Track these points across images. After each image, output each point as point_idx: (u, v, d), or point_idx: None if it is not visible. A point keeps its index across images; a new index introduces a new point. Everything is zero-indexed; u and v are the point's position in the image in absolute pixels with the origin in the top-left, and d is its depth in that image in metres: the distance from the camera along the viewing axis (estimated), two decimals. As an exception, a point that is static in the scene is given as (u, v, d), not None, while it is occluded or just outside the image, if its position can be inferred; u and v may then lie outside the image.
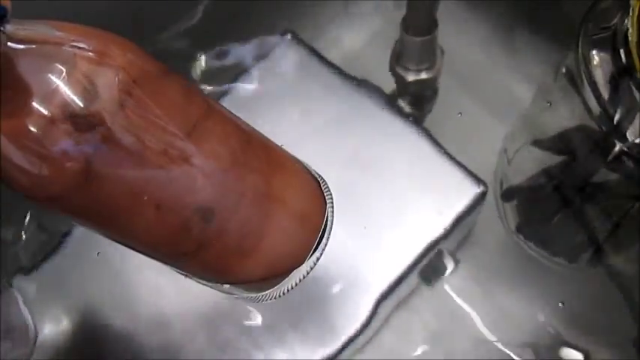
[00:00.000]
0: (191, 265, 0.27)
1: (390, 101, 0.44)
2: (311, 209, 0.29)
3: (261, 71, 0.45)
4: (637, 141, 0.31)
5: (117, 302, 0.40)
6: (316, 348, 0.38)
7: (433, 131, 0.42)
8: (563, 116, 0.37)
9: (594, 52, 0.32)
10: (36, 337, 0.40)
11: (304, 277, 0.29)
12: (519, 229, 0.44)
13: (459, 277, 0.44)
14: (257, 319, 0.39)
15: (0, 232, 0.45)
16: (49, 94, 0.20)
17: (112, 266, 0.41)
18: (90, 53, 0.21)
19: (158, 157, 0.22)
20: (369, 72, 0.46)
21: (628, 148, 0.31)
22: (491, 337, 0.42)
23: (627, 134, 0.31)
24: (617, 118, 0.31)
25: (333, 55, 0.45)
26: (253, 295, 0.30)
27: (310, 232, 0.29)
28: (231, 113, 0.27)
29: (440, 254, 0.41)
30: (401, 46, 0.45)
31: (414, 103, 0.49)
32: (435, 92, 0.50)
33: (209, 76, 0.49)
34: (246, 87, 0.45)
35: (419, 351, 0.43)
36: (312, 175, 0.31)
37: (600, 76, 0.31)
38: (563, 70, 0.35)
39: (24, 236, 0.45)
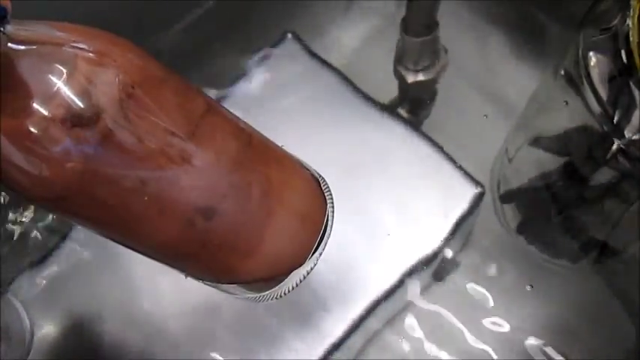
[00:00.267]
0: (192, 264, 0.27)
1: (389, 104, 0.44)
2: (311, 209, 0.29)
3: (262, 72, 0.45)
4: (634, 137, 0.31)
5: (116, 303, 0.40)
6: (315, 347, 0.38)
7: (432, 131, 0.42)
8: (563, 117, 0.37)
9: (594, 52, 0.32)
10: (32, 338, 0.40)
11: (304, 278, 0.29)
12: (520, 230, 0.44)
13: (460, 277, 0.44)
14: (257, 320, 0.39)
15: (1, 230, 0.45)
16: (50, 95, 0.20)
17: (110, 268, 0.41)
18: (90, 54, 0.21)
19: (158, 157, 0.22)
20: (370, 73, 0.46)
21: (625, 145, 0.31)
22: (493, 338, 0.42)
23: (625, 132, 0.31)
24: (616, 118, 0.31)
25: (333, 56, 0.45)
26: (254, 295, 0.30)
27: (311, 232, 0.29)
28: (232, 114, 0.27)
29: (440, 255, 0.41)
30: (402, 47, 0.45)
31: (412, 107, 0.49)
32: (433, 96, 0.50)
33: (210, 77, 0.49)
34: (247, 88, 0.45)
35: (419, 351, 0.43)
36: (313, 175, 0.31)
37: (600, 77, 0.31)
38: (563, 71, 0.35)
39: (22, 234, 0.45)
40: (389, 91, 0.49)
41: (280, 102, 0.44)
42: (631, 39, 0.29)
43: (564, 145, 0.40)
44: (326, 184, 0.31)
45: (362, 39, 0.52)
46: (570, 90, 0.33)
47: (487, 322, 0.43)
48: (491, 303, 0.43)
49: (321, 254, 0.29)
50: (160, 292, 0.40)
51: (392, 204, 0.40)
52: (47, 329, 0.41)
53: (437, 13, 0.42)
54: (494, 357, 0.42)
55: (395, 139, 0.42)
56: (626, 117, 0.31)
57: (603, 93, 0.31)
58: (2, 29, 0.19)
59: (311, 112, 0.43)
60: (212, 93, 0.47)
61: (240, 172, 0.25)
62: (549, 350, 0.42)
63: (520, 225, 0.44)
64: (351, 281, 0.39)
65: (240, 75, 0.45)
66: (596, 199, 0.40)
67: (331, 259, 0.31)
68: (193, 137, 0.24)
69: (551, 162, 0.41)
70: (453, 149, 0.42)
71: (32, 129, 0.20)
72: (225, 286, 0.29)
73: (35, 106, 0.20)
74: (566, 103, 0.35)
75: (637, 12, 0.28)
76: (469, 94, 0.49)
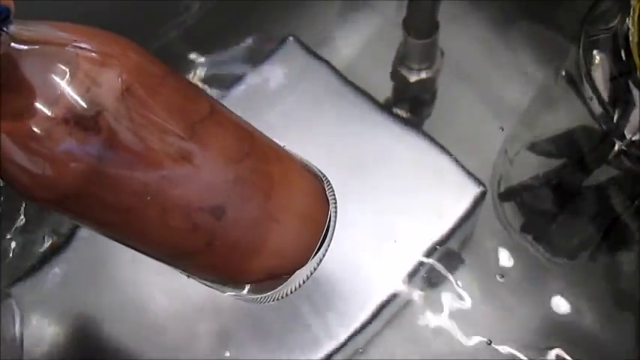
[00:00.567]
0: (195, 265, 0.27)
1: (389, 105, 0.44)
2: (314, 209, 0.29)
3: (263, 73, 0.45)
4: (634, 138, 0.31)
5: (117, 304, 0.40)
6: (317, 347, 0.38)
7: (433, 131, 0.42)
8: (564, 117, 0.38)
9: (594, 52, 0.32)
10: (22, 343, 0.40)
11: (307, 279, 0.29)
12: (523, 229, 0.44)
13: (460, 277, 0.44)
14: (258, 320, 0.39)
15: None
16: (52, 95, 0.20)
17: (112, 269, 0.41)
18: (93, 54, 0.21)
19: (161, 157, 0.22)
20: (370, 74, 0.46)
21: (626, 146, 0.31)
22: (493, 337, 0.42)
23: (625, 132, 0.31)
24: (616, 117, 0.31)
25: (333, 57, 0.45)
26: (256, 296, 0.30)
27: (313, 232, 0.29)
28: (234, 114, 0.27)
29: (441, 255, 0.41)
30: (404, 48, 0.45)
31: (412, 107, 0.50)
32: (433, 96, 0.50)
33: (211, 77, 0.49)
34: (247, 89, 0.45)
35: (420, 351, 0.43)
36: (316, 175, 0.30)
37: (600, 77, 0.31)
38: (563, 71, 0.35)
39: (23, 232, 0.44)
40: (389, 91, 0.49)
41: (281, 102, 0.44)
42: (631, 39, 0.29)
43: (561, 147, 0.40)
44: (329, 183, 0.30)
45: (362, 41, 0.52)
46: (571, 90, 0.33)
47: (486, 321, 0.43)
48: (491, 302, 0.43)
49: (324, 255, 0.29)
50: (162, 293, 0.40)
51: (394, 203, 0.40)
52: (48, 331, 0.40)
53: (437, 14, 0.42)
54: (496, 356, 0.42)
55: (397, 138, 0.42)
56: (626, 117, 0.31)
57: (604, 93, 0.31)
58: (5, 29, 0.19)
59: (312, 112, 0.43)
60: (213, 93, 0.47)
61: (243, 172, 0.25)
62: (549, 349, 0.42)
63: (523, 224, 0.44)
64: (352, 281, 0.39)
65: (241, 76, 0.45)
66: (596, 198, 0.40)
67: (332, 260, 0.31)
68: (195, 137, 0.24)
69: (551, 161, 0.41)
70: (453, 149, 0.42)
71: (35, 129, 0.20)
72: (226, 287, 0.29)
73: (38, 105, 0.20)
74: (567, 103, 0.35)
75: (637, 12, 0.29)
76: (469, 94, 0.50)
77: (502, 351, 0.42)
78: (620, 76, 0.31)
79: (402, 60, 0.46)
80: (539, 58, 0.49)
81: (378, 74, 0.48)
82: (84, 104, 0.20)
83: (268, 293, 0.29)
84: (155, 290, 0.40)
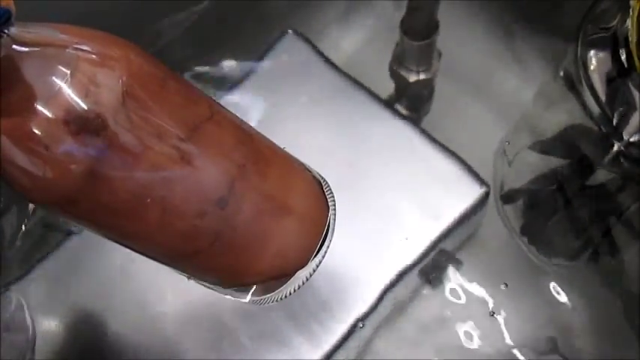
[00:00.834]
0: (195, 266, 0.27)
1: (390, 102, 0.44)
2: (314, 211, 0.29)
3: (262, 70, 0.45)
4: (632, 139, 0.31)
5: (117, 303, 0.40)
6: (317, 348, 0.38)
7: (432, 131, 0.42)
8: (563, 117, 0.37)
9: (593, 52, 0.32)
10: (34, 337, 0.40)
11: (307, 280, 0.29)
12: (524, 231, 0.44)
13: (461, 277, 0.44)
14: (258, 321, 0.39)
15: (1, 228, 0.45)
16: (53, 97, 0.20)
17: (113, 267, 0.41)
18: (93, 55, 0.21)
19: (161, 159, 0.22)
20: (369, 73, 0.46)
21: (625, 147, 0.31)
22: (494, 337, 0.42)
23: (624, 134, 0.31)
24: (615, 119, 0.31)
25: (332, 57, 0.45)
26: (255, 298, 0.30)
27: (313, 234, 0.29)
28: (234, 115, 0.27)
29: (442, 255, 0.41)
30: (401, 49, 0.45)
31: (411, 105, 0.49)
32: (431, 92, 0.50)
33: (210, 76, 0.49)
34: (247, 86, 0.45)
35: (418, 351, 0.43)
36: (315, 177, 0.31)
37: (599, 77, 0.31)
38: (562, 71, 0.35)
39: (24, 231, 0.44)
40: (388, 90, 0.49)
41: (281, 101, 0.44)
42: (630, 39, 0.29)
43: (563, 146, 0.40)
44: (328, 186, 0.31)
45: (361, 40, 0.52)
46: (570, 90, 0.33)
47: (487, 321, 0.43)
48: (492, 303, 0.43)
49: (323, 256, 0.29)
50: (164, 290, 0.40)
51: (394, 201, 0.40)
52: (50, 327, 0.40)
53: (436, 14, 0.42)
54: (494, 357, 0.42)
55: (398, 136, 0.42)
56: (625, 118, 0.31)
57: (602, 93, 0.31)
58: (6, 31, 0.19)
59: (312, 111, 0.43)
60: (212, 92, 0.47)
61: (244, 173, 0.25)
62: (545, 349, 0.42)
63: (523, 226, 0.44)
64: (352, 281, 0.39)
65: (240, 73, 0.45)
66: (596, 199, 0.40)
67: (331, 260, 0.31)
68: (195, 139, 0.24)
69: (551, 162, 0.41)
70: (453, 149, 0.42)
71: (35, 130, 0.20)
72: (227, 288, 0.29)
73: (39, 107, 0.20)
74: (566, 103, 0.35)
75: (636, 12, 0.29)
76: (469, 94, 0.50)
77: (501, 351, 0.42)
78: (618, 76, 0.31)
79: (399, 61, 0.46)
80: (539, 58, 0.49)
81: (376, 73, 0.48)
82: (84, 106, 0.20)
83: (268, 295, 0.29)
84: (156, 290, 0.40)
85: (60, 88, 0.20)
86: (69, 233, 0.42)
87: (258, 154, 0.27)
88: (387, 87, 0.49)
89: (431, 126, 0.45)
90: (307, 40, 0.45)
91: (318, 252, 0.29)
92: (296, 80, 0.44)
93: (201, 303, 0.39)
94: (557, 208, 0.42)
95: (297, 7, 0.52)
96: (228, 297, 0.30)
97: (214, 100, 0.27)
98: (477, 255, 0.44)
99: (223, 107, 0.27)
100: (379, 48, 0.49)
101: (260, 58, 0.45)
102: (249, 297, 0.30)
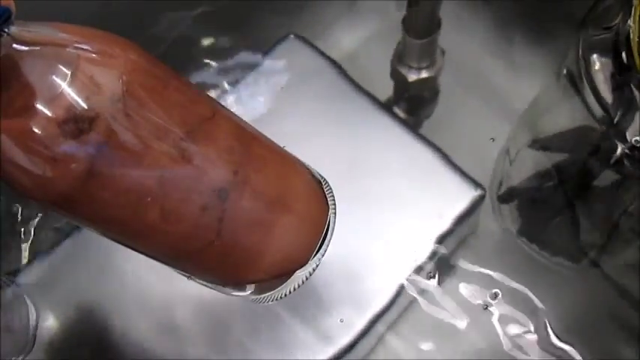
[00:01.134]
0: (195, 266, 0.27)
1: (389, 104, 0.44)
2: (314, 210, 0.29)
3: (263, 71, 0.45)
4: (635, 139, 0.31)
5: (118, 301, 0.40)
6: (317, 349, 0.38)
7: (432, 131, 0.42)
8: (564, 117, 0.37)
9: (595, 52, 0.32)
10: (35, 333, 0.40)
11: (306, 279, 0.29)
12: (521, 231, 0.44)
13: (459, 278, 0.44)
14: (258, 321, 0.39)
15: (0, 229, 0.45)
16: (53, 96, 0.20)
17: (114, 265, 0.41)
18: (93, 55, 0.21)
19: (161, 157, 0.22)
20: (370, 73, 0.46)
21: (628, 149, 0.31)
22: (494, 337, 0.42)
23: (627, 134, 0.31)
24: (617, 119, 0.31)
25: (334, 56, 0.45)
26: (255, 296, 0.30)
27: (313, 233, 0.29)
28: (234, 114, 0.27)
29: (440, 257, 0.41)
30: (402, 47, 0.45)
31: (412, 107, 0.49)
32: (435, 94, 0.50)
33: (211, 75, 0.49)
34: (248, 87, 0.45)
35: (419, 351, 0.43)
36: (315, 177, 0.31)
37: (601, 77, 0.31)
38: (564, 70, 0.35)
39: (28, 232, 0.45)
40: (389, 91, 0.49)
41: (282, 101, 0.44)
42: (632, 38, 0.29)
43: (565, 146, 0.40)
44: (328, 185, 0.31)
45: (362, 40, 0.52)
46: (572, 90, 0.33)
47: (487, 322, 0.43)
48: (491, 303, 0.43)
49: (323, 255, 0.29)
50: (165, 289, 0.40)
51: (391, 204, 0.40)
52: (50, 326, 0.41)
53: (438, 13, 0.42)
54: (494, 357, 0.42)
55: (396, 139, 0.42)
56: (627, 118, 0.31)
57: (605, 93, 0.31)
58: (6, 30, 0.19)
59: (312, 112, 0.43)
60: (213, 92, 0.47)
61: (244, 173, 0.25)
62: (545, 349, 0.42)
63: (521, 227, 0.44)
64: (350, 282, 0.39)
65: (241, 74, 0.45)
66: (596, 200, 0.40)
67: (331, 261, 0.31)
68: (196, 139, 0.24)
69: (551, 163, 0.41)
70: (453, 150, 0.42)
71: (35, 129, 0.20)
72: (226, 287, 0.30)
73: (39, 106, 0.20)
74: (568, 103, 0.35)
75: (638, 11, 0.28)
76: (470, 94, 0.50)
77: (501, 351, 0.42)
78: (620, 76, 0.30)
79: (400, 59, 0.46)
80: (541, 57, 0.49)
81: (377, 73, 0.48)
82: (84, 105, 0.20)
83: (268, 293, 0.29)
84: (156, 289, 0.40)
85: (60, 88, 0.20)
86: (68, 233, 0.42)
87: (259, 153, 0.27)
88: (388, 87, 0.49)
89: (431, 125, 0.45)
90: (308, 43, 0.46)
91: (317, 251, 0.29)
92: (297, 82, 0.44)
93: (201, 303, 0.39)
94: (558, 208, 0.42)
95: (299, 6, 0.52)
96: (228, 296, 0.30)
97: (215, 100, 0.27)
98: (475, 256, 0.44)
99: (224, 107, 0.27)
100: (381, 47, 0.49)
101: (261, 59, 0.45)
102: (248, 295, 0.30)
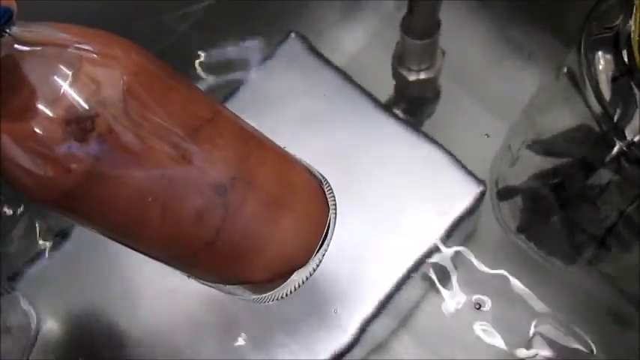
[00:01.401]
0: (195, 266, 0.27)
1: (389, 104, 0.44)
2: (314, 210, 0.29)
3: (264, 71, 0.45)
4: (635, 139, 0.31)
5: (119, 302, 0.40)
6: (318, 349, 0.38)
7: (433, 130, 0.43)
8: (565, 116, 0.37)
9: (596, 52, 0.32)
10: (36, 335, 0.40)
11: (307, 279, 0.29)
12: (520, 230, 0.44)
13: (461, 276, 0.44)
14: (258, 321, 0.39)
15: (1, 227, 0.45)
16: (55, 96, 0.20)
17: (114, 266, 0.41)
18: (94, 55, 0.21)
19: (162, 158, 0.22)
20: (370, 73, 0.46)
21: (627, 147, 0.31)
22: (494, 337, 0.42)
23: (626, 133, 0.31)
24: (617, 118, 0.31)
25: (333, 57, 0.45)
26: (256, 296, 0.30)
27: (314, 233, 0.29)
28: (235, 115, 0.27)
29: (442, 255, 0.41)
30: (402, 48, 0.45)
31: (412, 107, 0.49)
32: (436, 95, 0.50)
33: (212, 76, 0.49)
34: (248, 87, 0.45)
35: (421, 350, 0.43)
36: (315, 176, 0.31)
37: (602, 76, 0.31)
38: (565, 69, 0.35)
39: (25, 230, 0.45)
40: (389, 90, 0.49)
41: (282, 101, 0.44)
42: (633, 37, 0.29)
43: (564, 146, 0.40)
44: (329, 185, 0.31)
45: (362, 40, 0.52)
46: (572, 89, 0.33)
47: (487, 321, 0.43)
48: (491, 303, 0.43)
49: (324, 255, 0.29)
50: (166, 288, 0.40)
51: (393, 202, 0.40)
52: (50, 327, 0.41)
53: (438, 14, 0.42)
54: (494, 355, 0.42)
55: (397, 138, 0.42)
56: (627, 117, 0.31)
57: (605, 93, 0.31)
58: (8, 31, 0.19)
59: (312, 112, 0.43)
60: (214, 92, 0.47)
61: (245, 174, 0.25)
62: (544, 349, 0.42)
63: (519, 224, 0.44)
64: (353, 282, 0.39)
65: (242, 74, 0.45)
66: (595, 200, 0.40)
67: (332, 260, 0.31)
68: (197, 139, 0.24)
69: (551, 161, 0.41)
70: (454, 149, 0.42)
71: (36, 129, 0.20)
72: (227, 287, 0.30)
73: (40, 107, 0.20)
74: (568, 102, 0.35)
75: (639, 11, 0.28)
76: (470, 93, 0.50)
77: (500, 351, 0.42)
78: (621, 75, 0.30)
79: (400, 60, 0.46)
80: (541, 56, 0.49)
81: (377, 74, 0.48)
82: (85, 105, 0.20)
83: (268, 293, 0.29)
84: (157, 289, 0.40)
85: (62, 88, 0.20)
86: (71, 231, 0.42)
87: (259, 153, 0.27)
88: (388, 87, 0.49)
89: (431, 124, 0.45)
90: (309, 43, 0.46)
91: (318, 251, 0.29)
92: (297, 82, 0.44)
93: (202, 303, 0.39)
94: (555, 208, 0.42)
95: (299, 6, 0.52)
96: (228, 295, 0.30)
97: (217, 101, 0.27)
98: (475, 253, 0.44)
99: (226, 108, 0.27)
100: (381, 47, 0.49)
101: (262, 59, 0.46)
102: (249, 295, 0.30)
